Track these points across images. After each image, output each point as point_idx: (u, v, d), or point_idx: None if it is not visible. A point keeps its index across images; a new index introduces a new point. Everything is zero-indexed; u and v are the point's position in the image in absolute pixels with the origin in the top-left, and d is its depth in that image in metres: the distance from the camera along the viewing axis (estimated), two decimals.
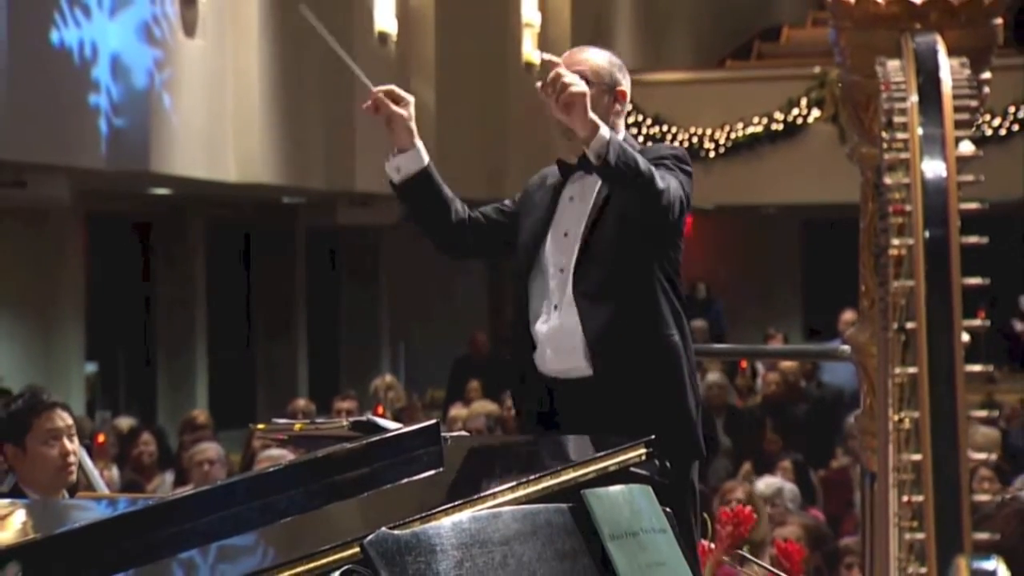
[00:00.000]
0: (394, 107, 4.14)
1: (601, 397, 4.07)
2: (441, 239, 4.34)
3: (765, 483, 8.17)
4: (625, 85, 4.24)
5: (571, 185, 4.23)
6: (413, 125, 4.18)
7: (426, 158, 4.22)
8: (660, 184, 3.98)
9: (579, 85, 3.94)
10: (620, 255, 4.11)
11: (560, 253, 4.18)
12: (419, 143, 4.21)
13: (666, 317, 4.14)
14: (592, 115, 3.95)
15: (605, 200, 4.13)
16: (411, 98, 4.19)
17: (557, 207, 4.23)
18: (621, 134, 4.23)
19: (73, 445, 4.84)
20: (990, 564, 1.99)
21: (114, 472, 9.36)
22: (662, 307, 4.14)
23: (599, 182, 4.17)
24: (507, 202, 4.38)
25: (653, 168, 4.01)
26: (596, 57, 4.22)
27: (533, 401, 4.21)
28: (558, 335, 4.13)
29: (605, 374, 4.08)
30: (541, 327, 4.17)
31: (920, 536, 2.22)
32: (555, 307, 4.16)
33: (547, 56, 4.09)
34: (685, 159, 4.21)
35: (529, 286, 4.20)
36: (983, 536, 2.16)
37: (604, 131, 3.94)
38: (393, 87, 4.19)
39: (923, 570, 2.21)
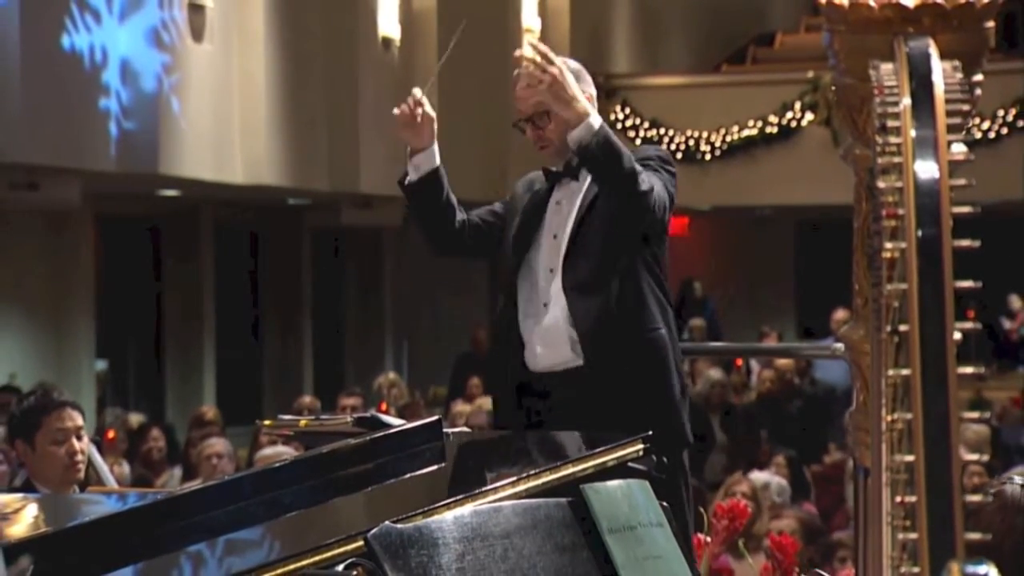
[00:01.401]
0: (427, 108, 4.36)
1: (590, 388, 4.15)
2: (441, 239, 4.43)
3: (754, 477, 8.19)
4: (589, 90, 4.31)
5: (558, 190, 4.34)
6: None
7: (438, 159, 4.39)
8: (644, 185, 4.08)
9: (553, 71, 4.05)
10: (606, 251, 4.21)
11: (550, 255, 4.28)
12: (435, 144, 4.38)
13: (652, 311, 4.22)
14: (584, 102, 4.08)
15: (592, 202, 4.23)
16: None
17: (546, 212, 4.33)
18: None
19: (81, 444, 4.87)
20: (982, 569, 1.98)
21: (124, 467, 9.40)
22: (648, 301, 4.22)
23: (585, 186, 4.26)
24: (497, 205, 4.49)
25: (639, 167, 4.10)
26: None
27: (510, 396, 4.28)
28: (548, 331, 4.22)
29: (594, 363, 4.16)
30: (531, 325, 4.24)
31: (913, 536, 2.21)
32: (544, 305, 4.25)
33: (530, 46, 4.14)
34: (669, 160, 4.33)
35: (518, 286, 4.29)
36: (975, 536, 2.16)
37: (594, 120, 4.06)
38: (416, 95, 4.36)
39: (916, 570, 2.21)
